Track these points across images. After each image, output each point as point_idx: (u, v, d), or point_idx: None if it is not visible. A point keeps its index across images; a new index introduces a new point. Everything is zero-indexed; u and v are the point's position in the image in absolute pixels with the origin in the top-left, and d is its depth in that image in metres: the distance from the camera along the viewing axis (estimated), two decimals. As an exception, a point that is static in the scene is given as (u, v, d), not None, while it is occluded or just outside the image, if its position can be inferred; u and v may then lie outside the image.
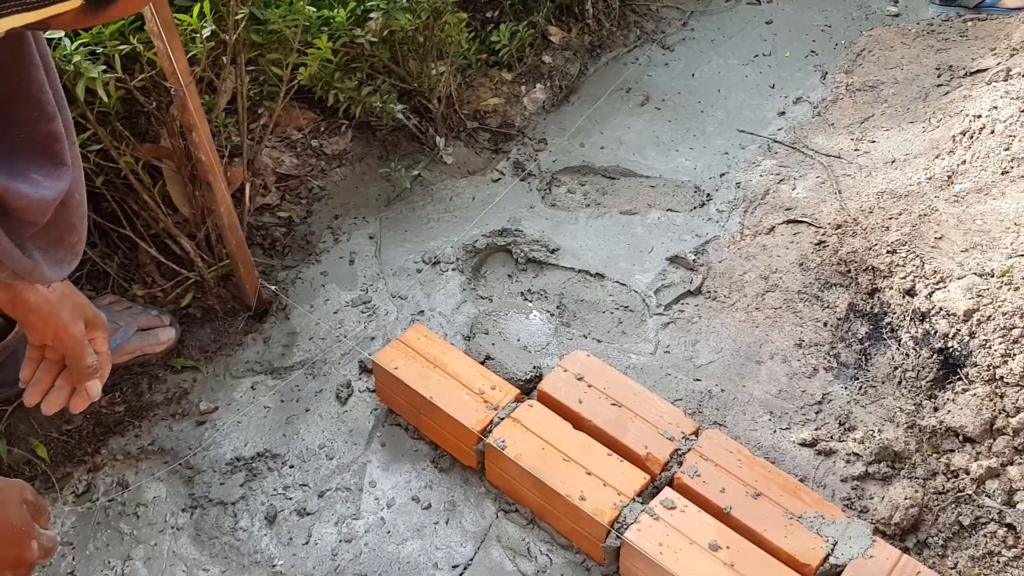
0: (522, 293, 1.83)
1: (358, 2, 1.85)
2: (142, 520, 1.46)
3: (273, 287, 1.79)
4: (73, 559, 1.41)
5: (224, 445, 1.56)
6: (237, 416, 1.60)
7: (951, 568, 1.35)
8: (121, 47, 1.43)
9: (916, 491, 1.39)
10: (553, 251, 1.89)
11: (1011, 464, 1.39)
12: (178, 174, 1.66)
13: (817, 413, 1.56)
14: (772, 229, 1.90)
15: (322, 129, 2.16)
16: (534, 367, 1.62)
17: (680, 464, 1.38)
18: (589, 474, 1.36)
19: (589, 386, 1.48)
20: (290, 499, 1.49)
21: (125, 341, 1.61)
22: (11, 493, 1.04)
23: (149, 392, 1.63)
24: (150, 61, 1.46)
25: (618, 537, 1.29)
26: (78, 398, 1.19)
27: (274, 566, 1.41)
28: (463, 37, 2.08)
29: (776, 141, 2.17)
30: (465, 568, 1.39)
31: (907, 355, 1.57)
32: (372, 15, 1.86)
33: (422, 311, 1.77)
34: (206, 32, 1.49)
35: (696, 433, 1.43)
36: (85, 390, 1.19)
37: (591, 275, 1.85)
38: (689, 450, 1.39)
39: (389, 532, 1.44)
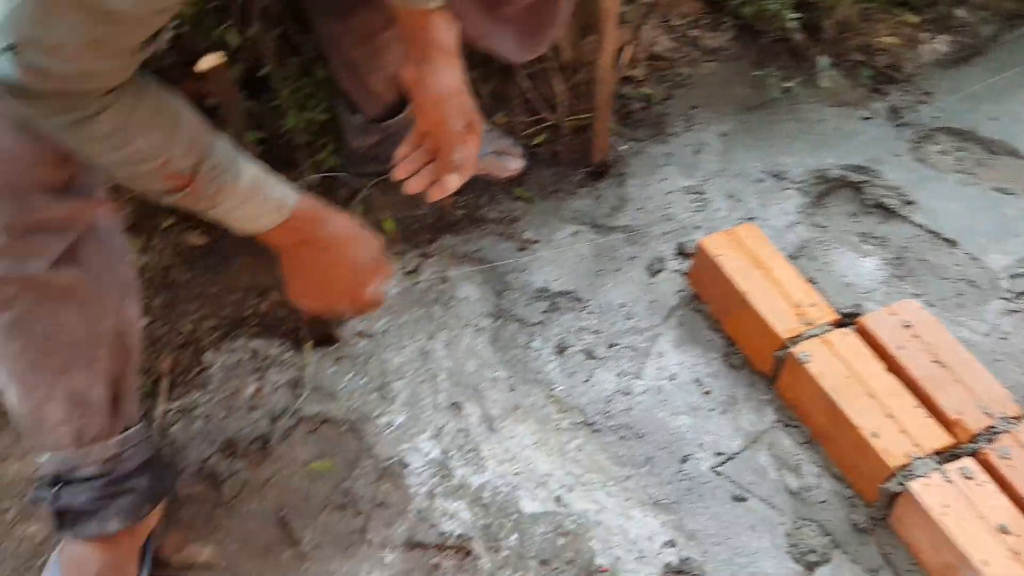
0: (861, 234, 1.74)
1: None
2: (452, 311, 1.60)
3: (619, 149, 1.84)
4: (389, 320, 1.58)
5: (536, 274, 1.66)
6: (555, 253, 1.69)
7: None
8: None
9: None
10: (908, 203, 1.77)
11: None
12: (571, 16, 1.73)
13: None
14: None
15: (704, 22, 2.15)
16: (855, 305, 1.55)
17: (990, 441, 1.28)
18: (889, 416, 1.30)
19: (914, 336, 1.40)
20: (582, 339, 1.56)
21: (481, 156, 1.74)
22: (371, 237, 1.17)
23: (487, 207, 1.76)
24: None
25: (901, 484, 1.23)
26: (437, 187, 1.28)
27: (552, 390, 1.49)
28: (883, -38, 1.96)
29: None
30: (728, 459, 1.39)
31: None
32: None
33: (752, 218, 1.75)
34: None
35: (1018, 419, 1.31)
36: (444, 182, 1.28)
37: (942, 239, 1.71)
38: (1006, 432, 1.28)
39: (664, 401, 1.47)
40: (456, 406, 1.47)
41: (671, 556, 1.29)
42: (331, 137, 1.72)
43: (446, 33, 1.20)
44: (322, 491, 1.37)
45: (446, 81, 1.25)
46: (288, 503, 1.35)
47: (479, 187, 1.78)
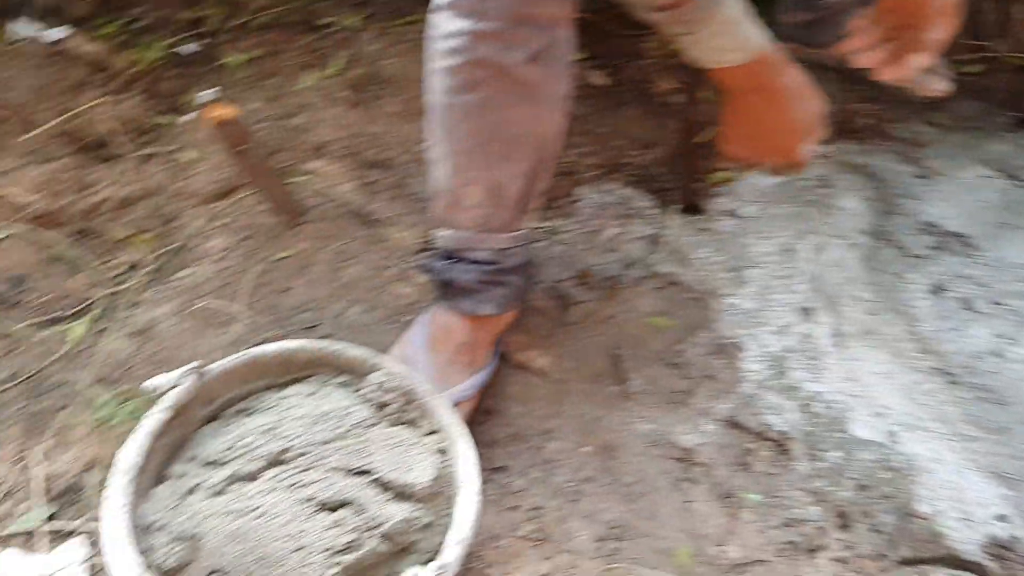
0: None
1: None
2: (829, 218, 1.55)
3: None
4: (761, 208, 1.56)
5: (931, 206, 1.55)
6: (956, 191, 1.57)
7: None
8: None
9: None
10: None
11: None
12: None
13: None
14: None
15: None
16: None
17: None
18: None
19: None
20: (963, 287, 1.45)
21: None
22: (819, 97, 1.13)
23: (894, 124, 1.66)
24: None
25: None
26: (895, 67, 1.19)
27: (915, 326, 1.42)
28: None
29: None
30: (1096, 462, 1.26)
31: None
32: None
33: None
34: None
35: None
36: (905, 62, 1.18)
37: None
38: None
39: (1039, 378, 1.35)
40: (808, 311, 1.44)
41: (1000, 531, 1.20)
42: (761, 9, 1.67)
43: None
44: (657, 345, 1.42)
45: None
46: (624, 344, 1.41)
47: (892, 100, 1.67)
